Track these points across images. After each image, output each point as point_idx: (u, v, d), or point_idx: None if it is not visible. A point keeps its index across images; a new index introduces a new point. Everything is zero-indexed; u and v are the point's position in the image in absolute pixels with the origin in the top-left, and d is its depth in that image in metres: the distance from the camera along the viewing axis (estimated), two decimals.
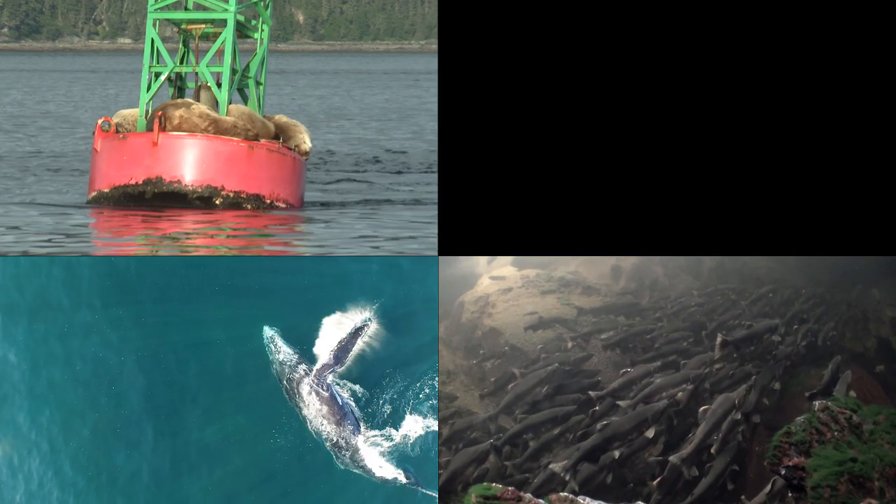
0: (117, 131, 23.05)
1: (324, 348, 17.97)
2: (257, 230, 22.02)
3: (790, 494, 12.34)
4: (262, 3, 24.37)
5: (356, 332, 17.91)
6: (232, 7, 23.30)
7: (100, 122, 23.07)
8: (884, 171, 15.82)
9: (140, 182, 22.44)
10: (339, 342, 17.83)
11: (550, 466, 15.73)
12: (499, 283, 26.63)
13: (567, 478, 15.29)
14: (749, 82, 16.17)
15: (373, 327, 18.03)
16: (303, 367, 17.78)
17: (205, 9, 23.98)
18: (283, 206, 23.22)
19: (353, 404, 17.73)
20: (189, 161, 22.38)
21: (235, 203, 22.57)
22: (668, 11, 15.91)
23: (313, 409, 17.46)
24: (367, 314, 18.10)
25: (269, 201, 22.92)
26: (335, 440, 17.39)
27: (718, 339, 18.14)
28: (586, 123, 16.05)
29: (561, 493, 13.52)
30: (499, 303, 25.09)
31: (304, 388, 17.57)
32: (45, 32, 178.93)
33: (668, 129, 16.32)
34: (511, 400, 18.34)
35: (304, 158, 24.16)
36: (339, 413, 17.39)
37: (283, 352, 17.88)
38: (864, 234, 15.92)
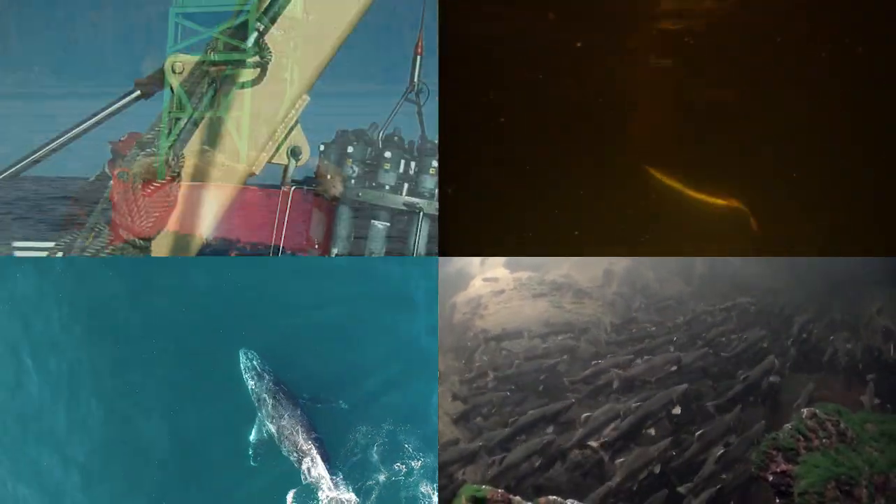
0: (135, 181, 22.45)
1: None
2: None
3: (777, 501, 12.30)
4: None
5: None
6: (250, 48, 21.90)
7: (116, 171, 22.42)
8: (874, 174, 15.86)
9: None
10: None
11: (586, 415, 16.20)
12: (491, 285, 26.59)
13: (599, 448, 15.70)
14: (743, 84, 16.21)
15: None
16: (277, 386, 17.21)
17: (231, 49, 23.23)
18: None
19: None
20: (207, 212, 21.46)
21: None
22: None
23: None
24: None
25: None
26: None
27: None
28: (584, 124, 16.11)
29: (549, 497, 13.54)
30: (491, 304, 25.05)
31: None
32: None
33: (666, 129, 16.36)
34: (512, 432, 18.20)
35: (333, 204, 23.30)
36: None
37: (262, 374, 17.30)
38: (856, 235, 15.95)
